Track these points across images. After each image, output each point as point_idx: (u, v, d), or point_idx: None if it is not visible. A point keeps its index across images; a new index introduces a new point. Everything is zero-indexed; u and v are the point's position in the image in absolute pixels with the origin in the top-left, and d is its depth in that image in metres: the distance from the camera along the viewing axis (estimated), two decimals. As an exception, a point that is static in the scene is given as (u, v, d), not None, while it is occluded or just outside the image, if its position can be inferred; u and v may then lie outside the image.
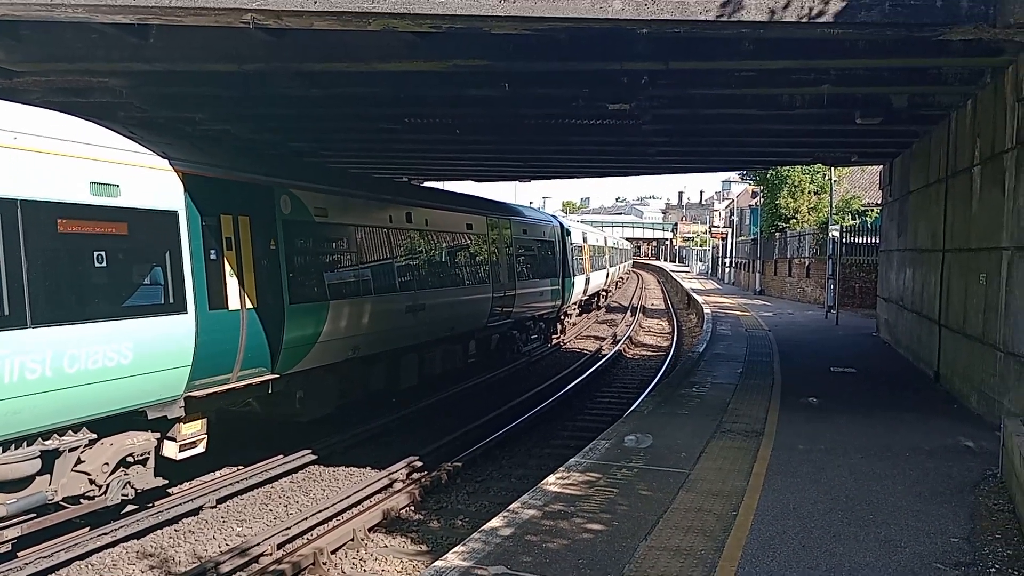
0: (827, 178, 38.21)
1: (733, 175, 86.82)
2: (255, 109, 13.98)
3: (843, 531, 7.20)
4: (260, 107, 13.73)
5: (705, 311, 31.18)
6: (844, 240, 30.07)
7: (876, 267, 26.46)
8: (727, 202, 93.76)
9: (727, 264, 64.75)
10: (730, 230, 66.32)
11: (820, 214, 40.12)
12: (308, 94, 12.36)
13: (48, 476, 8.35)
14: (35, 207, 7.86)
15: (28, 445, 7.96)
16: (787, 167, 38.73)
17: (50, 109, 9.20)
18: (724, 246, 69.30)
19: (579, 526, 7.15)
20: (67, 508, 8.76)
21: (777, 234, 43.23)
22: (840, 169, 36.03)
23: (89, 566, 8.64)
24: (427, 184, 27.25)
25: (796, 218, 42.18)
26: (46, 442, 8.16)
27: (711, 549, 6.69)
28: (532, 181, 33.39)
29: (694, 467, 9.15)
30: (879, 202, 28.94)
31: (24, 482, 8.06)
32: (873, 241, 29.26)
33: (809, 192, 42.49)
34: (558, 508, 7.63)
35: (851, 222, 35.21)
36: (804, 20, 7.89)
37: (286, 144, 18.25)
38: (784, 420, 11.69)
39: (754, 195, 57.92)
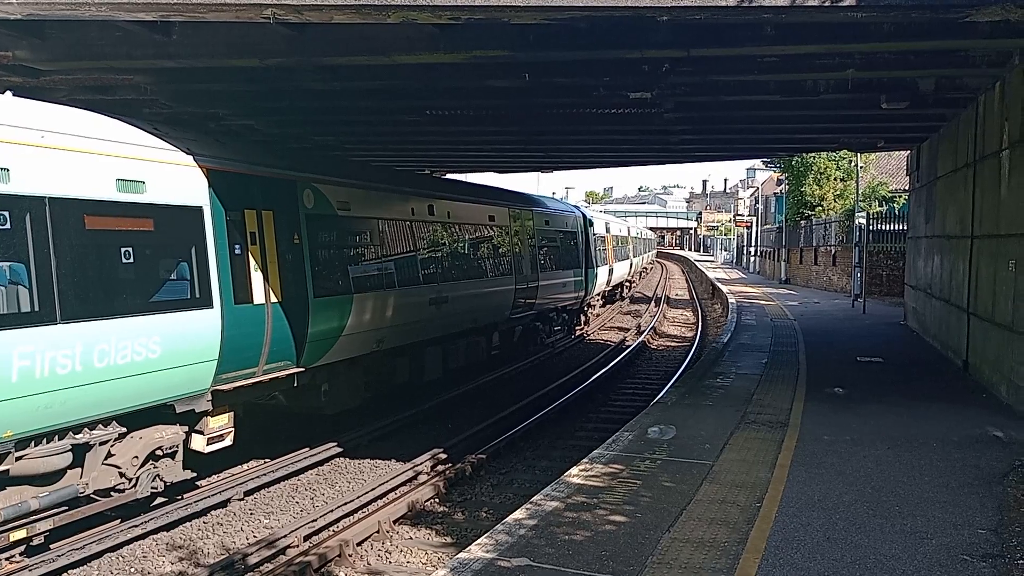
0: (853, 164, 37.75)
1: (757, 163, 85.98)
2: (277, 104, 14.06)
3: (869, 523, 7.14)
4: (282, 101, 13.80)
5: (730, 301, 30.97)
6: (871, 227, 29.71)
7: (903, 254, 26.13)
8: (752, 190, 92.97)
9: (752, 253, 64.24)
10: (755, 218, 65.79)
11: (846, 201, 39.67)
12: (330, 88, 12.41)
13: (79, 469, 8.49)
14: (63, 204, 7.97)
15: (59, 439, 8.10)
16: (812, 154, 38.28)
17: (76, 107, 9.32)
18: (749, 235, 68.76)
19: (602, 518, 7.15)
20: (98, 501, 8.90)
21: (803, 222, 42.81)
22: (866, 155, 35.57)
23: (120, 558, 8.79)
24: (449, 176, 27.28)
25: (822, 205, 41.73)
26: (77, 436, 8.30)
27: (735, 541, 6.66)
28: (554, 172, 33.33)
29: (718, 458, 9.11)
30: (906, 188, 28.53)
31: (56, 475, 8.21)
32: (901, 228, 28.91)
33: (835, 179, 42.01)
34: (581, 500, 7.63)
35: (878, 209, 34.78)
36: (827, 4, 7.77)
37: (309, 138, 18.34)
38: (809, 411, 11.60)
39: (779, 183, 57.37)
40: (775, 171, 56.62)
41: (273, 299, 10.88)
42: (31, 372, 7.46)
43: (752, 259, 63.27)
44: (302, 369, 11.54)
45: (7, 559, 8.00)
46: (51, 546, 8.53)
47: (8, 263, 7.53)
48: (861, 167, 36.62)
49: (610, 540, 6.64)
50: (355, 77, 11.90)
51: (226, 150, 10.84)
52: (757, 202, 69.07)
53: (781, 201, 49.89)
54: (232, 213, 10.29)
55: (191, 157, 9.82)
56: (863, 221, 29.73)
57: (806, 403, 12.14)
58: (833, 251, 36.48)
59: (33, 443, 7.84)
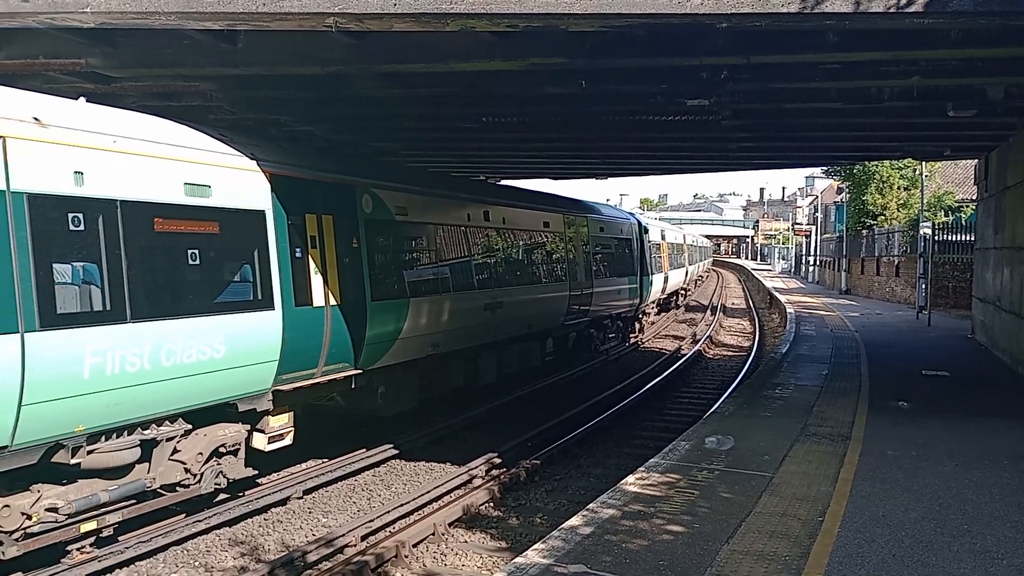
0: (917, 173, 36.78)
1: (817, 171, 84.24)
2: (337, 110, 14.30)
3: (936, 540, 6.94)
4: (342, 108, 14.04)
5: (788, 311, 30.43)
6: (936, 237, 28.90)
7: (971, 266, 25.33)
8: (811, 198, 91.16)
9: (811, 262, 63.01)
10: (814, 227, 64.46)
11: (910, 211, 38.68)
12: (388, 94, 12.57)
13: (147, 464, 8.74)
14: (134, 207, 8.23)
15: (128, 434, 8.35)
16: (875, 162, 37.42)
17: (145, 113, 9.63)
18: (808, 244, 67.47)
19: (659, 527, 7.09)
20: (164, 495, 9.13)
21: (864, 231, 41.85)
22: (931, 164, 34.62)
23: (184, 551, 9.01)
24: (504, 182, 27.38)
25: (884, 215, 40.77)
26: (145, 432, 8.54)
27: (796, 555, 6.54)
28: (608, 178, 33.14)
29: (777, 471, 8.95)
30: (974, 198, 27.67)
31: (125, 470, 8.46)
32: (968, 239, 28.03)
33: (898, 188, 41.01)
34: (637, 508, 7.58)
35: (944, 219, 33.82)
36: (892, 10, 7.59)
37: (366, 144, 18.61)
38: (872, 424, 11.32)
39: (839, 191, 56.16)
40: (835, 179, 55.46)
41: (332, 302, 11.05)
42: (102, 369, 7.71)
43: (811, 269, 62.07)
44: (359, 371, 11.69)
45: (78, 549, 8.26)
46: (119, 538, 8.79)
47: (82, 263, 7.80)
48: (926, 176, 35.64)
49: (668, 550, 6.57)
50: (413, 84, 12.03)
51: (288, 155, 11.07)
52: (816, 211, 67.67)
53: (842, 210, 48.84)
54: (293, 217, 10.50)
55: (254, 162, 10.05)
56: (928, 231, 28.93)
57: (869, 416, 11.86)
58: (896, 262, 35.55)
59: (104, 438, 8.10)
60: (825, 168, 50.22)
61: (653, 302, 31.96)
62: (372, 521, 9.78)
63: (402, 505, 10.39)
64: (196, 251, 8.96)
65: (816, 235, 62.54)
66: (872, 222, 41.39)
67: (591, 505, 7.74)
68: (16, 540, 7.45)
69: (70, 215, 7.61)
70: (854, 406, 12.63)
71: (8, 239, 7.01)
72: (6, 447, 7.12)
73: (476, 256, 15.58)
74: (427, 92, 12.57)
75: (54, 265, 7.44)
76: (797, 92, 12.51)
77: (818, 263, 59.46)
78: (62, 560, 8.13)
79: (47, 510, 7.70)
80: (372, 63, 10.56)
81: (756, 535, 6.96)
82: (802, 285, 53.82)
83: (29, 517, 7.54)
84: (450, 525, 9.86)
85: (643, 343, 27.56)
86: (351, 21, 8.15)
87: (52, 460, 7.69)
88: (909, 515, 7.56)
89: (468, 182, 21.83)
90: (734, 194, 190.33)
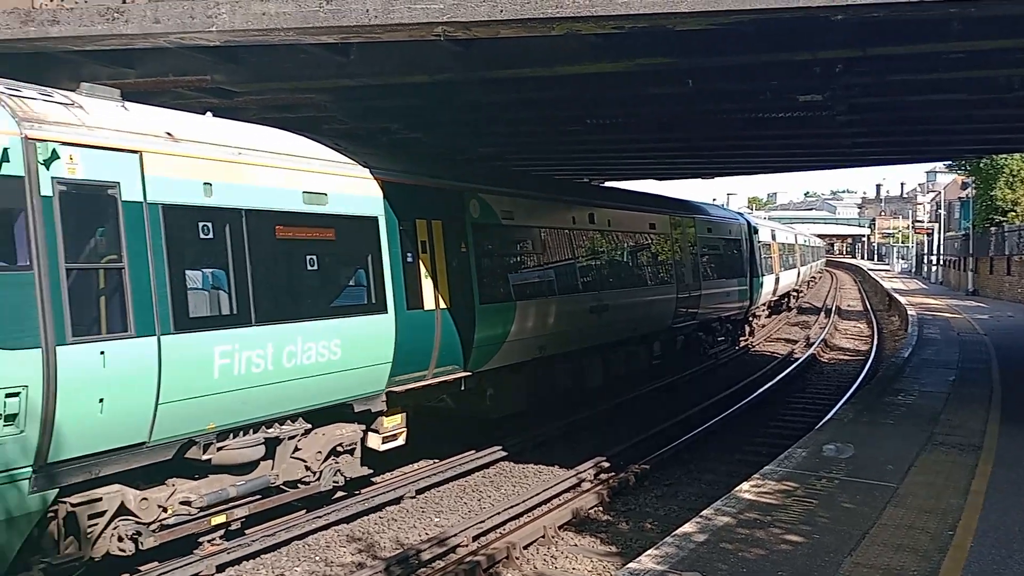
0: (1053, 165, 34.42)
1: (939, 165, 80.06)
2: (444, 116, 14.56)
3: (1082, 557, 6.47)
4: (448, 114, 14.28)
5: (909, 313, 29.00)
6: (1075, 233, 26.94)
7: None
8: (932, 194, 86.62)
9: (933, 262, 59.87)
10: (936, 225, 61.26)
11: (1045, 205, 36.22)
12: (493, 99, 12.71)
13: (271, 461, 9.14)
14: (257, 216, 8.64)
15: (254, 432, 8.76)
16: (1003, 155, 35.23)
17: (265, 125, 10.08)
18: (929, 242, 64.14)
19: (777, 536, 6.89)
20: (286, 492, 9.51)
21: (993, 228, 39.47)
22: (1069, 154, 32.33)
23: (306, 546, 9.36)
24: (608, 184, 27.23)
25: (1015, 211, 38.31)
26: (269, 430, 8.94)
27: (925, 571, 6.23)
28: (715, 178, 32.49)
29: (903, 481, 8.56)
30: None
31: (250, 466, 8.87)
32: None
33: (1031, 182, 38.46)
34: (753, 516, 7.38)
35: (1083, 213, 31.51)
36: (1023, -5, 7.15)
37: (473, 149, 18.86)
38: (1006, 434, 10.67)
39: (964, 186, 53.18)
40: (960, 174, 52.56)
41: (442, 305, 11.27)
42: (230, 370, 8.12)
43: (933, 269, 58.98)
44: (469, 373, 11.87)
45: (208, 541, 8.71)
46: (246, 531, 9.21)
47: (210, 270, 8.25)
48: (1062, 167, 33.31)
49: (786, 560, 6.38)
50: (518, 89, 12.12)
51: (399, 163, 11.36)
52: (939, 207, 64.27)
53: (967, 206, 46.25)
54: (405, 223, 10.77)
55: (367, 170, 10.37)
56: (1065, 226, 27.00)
57: (1002, 425, 11.18)
58: (1029, 260, 33.37)
59: (232, 435, 8.52)
60: (948, 162, 47.67)
61: (763, 304, 31.09)
62: (483, 522, 9.90)
63: (512, 507, 10.47)
64: (314, 257, 9.32)
65: (939, 233, 59.39)
66: (1001, 219, 38.98)
67: (705, 512, 7.59)
68: (153, 531, 7.91)
69: (200, 224, 8.06)
70: (985, 414, 11.93)
71: (145, 247, 7.48)
72: (144, 443, 7.59)
73: (581, 259, 15.56)
74: (532, 96, 12.64)
75: (186, 272, 7.89)
76: (919, 84, 11.92)
77: (941, 263, 56.44)
78: (194, 551, 8.59)
79: (181, 503, 8.15)
80: (478, 69, 10.70)
81: (881, 548, 6.67)
82: (923, 286, 51.19)
83: (165, 509, 8.00)
84: (560, 528, 9.86)
85: (753, 346, 26.85)
86: (459, 29, 8.29)
87: (185, 456, 8.15)
88: (1051, 530, 7.09)
89: (573, 184, 21.83)
90: (848, 191, 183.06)
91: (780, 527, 7.11)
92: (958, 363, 17.12)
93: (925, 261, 65.11)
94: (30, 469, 6.67)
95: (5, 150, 6.50)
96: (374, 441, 10.39)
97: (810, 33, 9.34)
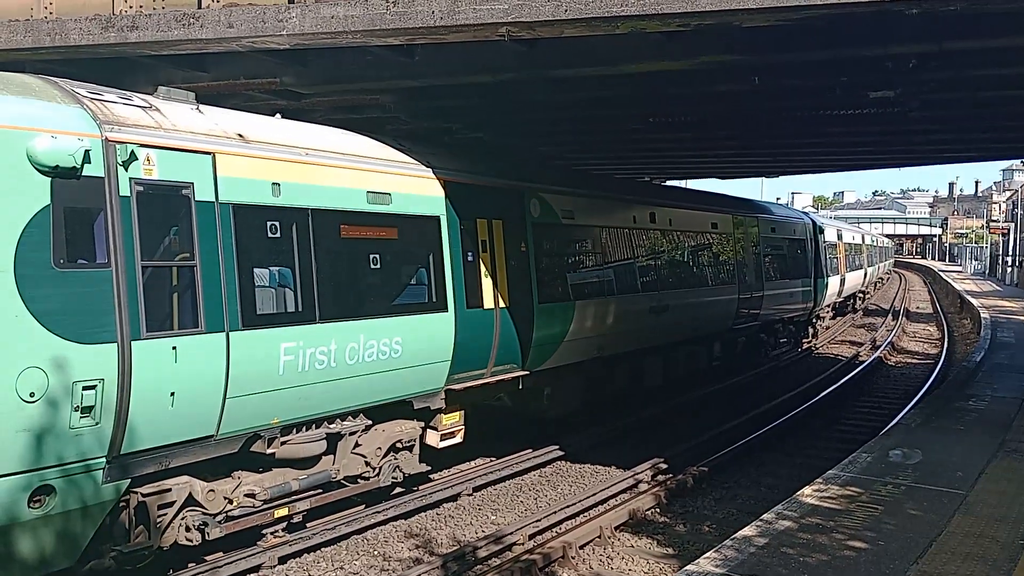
0: None
1: (1016, 162, 77.12)
2: (506, 116, 14.61)
3: None
4: (511, 114, 14.33)
5: (982, 315, 28.03)
6: None
7: None
8: (1008, 193, 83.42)
9: (1008, 263, 57.67)
10: (1013, 224, 58.96)
11: None
12: (555, 99, 12.70)
13: (332, 456, 9.32)
14: (323, 215, 8.82)
15: (316, 428, 8.95)
16: (1086, 151, 33.70)
17: (331, 126, 10.27)
18: (1005, 243, 61.79)
19: (840, 542, 6.76)
20: (347, 487, 9.70)
21: (1073, 228, 37.79)
22: None
23: (364, 540, 9.53)
24: (670, 183, 26.96)
25: (1098, 209, 36.62)
26: (331, 426, 9.12)
27: (996, 580, 6.04)
28: (779, 176, 31.81)
29: (972, 488, 8.30)
30: None
31: (312, 461, 9.07)
32: None
33: (1116, 179, 36.73)
34: (815, 522, 7.26)
35: None
36: (1116, -17, 6.85)
37: (534, 148, 18.89)
38: (1085, 441, 10.25)
39: (1043, 184, 51.05)
40: (1038, 171, 50.45)
41: (501, 304, 11.33)
42: (295, 366, 8.32)
43: (1009, 270, 56.82)
44: (526, 372, 11.91)
45: (271, 533, 8.93)
46: (307, 525, 9.42)
47: (277, 268, 8.45)
48: None
49: (850, 567, 6.26)
50: (580, 88, 12.09)
51: (460, 162, 11.46)
52: (1015, 206, 61.83)
53: (1046, 205, 44.36)
54: (465, 222, 10.86)
55: (430, 170, 10.49)
56: None
57: (1080, 433, 10.74)
58: (1112, 261, 31.89)
59: (295, 430, 8.73)
60: (1026, 160, 45.87)
61: (828, 305, 30.40)
62: (539, 521, 9.93)
63: (569, 506, 10.48)
64: (377, 256, 9.47)
65: (1016, 233, 57.15)
66: (1083, 218, 37.31)
67: (765, 516, 7.48)
68: (219, 522, 8.15)
69: (268, 223, 8.27)
70: (1062, 422, 11.47)
71: (216, 246, 7.72)
72: (212, 436, 7.83)
73: (641, 258, 15.46)
74: (594, 95, 12.59)
75: (254, 270, 8.11)
76: (997, 79, 11.50)
77: (1017, 264, 54.32)
78: (258, 543, 8.81)
79: (246, 495, 8.38)
80: (541, 69, 10.70)
81: (949, 556, 6.49)
82: (998, 288, 49.37)
83: (230, 501, 8.23)
84: (616, 529, 9.84)
85: (817, 348, 26.30)
86: (523, 29, 8.31)
87: (250, 450, 8.38)
88: None
89: (633, 184, 21.68)
90: (919, 190, 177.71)
91: (843, 533, 6.97)
92: (1034, 368, 16.51)
93: (1000, 262, 62.77)
94: (104, 460, 6.94)
95: (87, 152, 6.77)
96: (432, 438, 10.51)
97: (883, 28, 9.11)
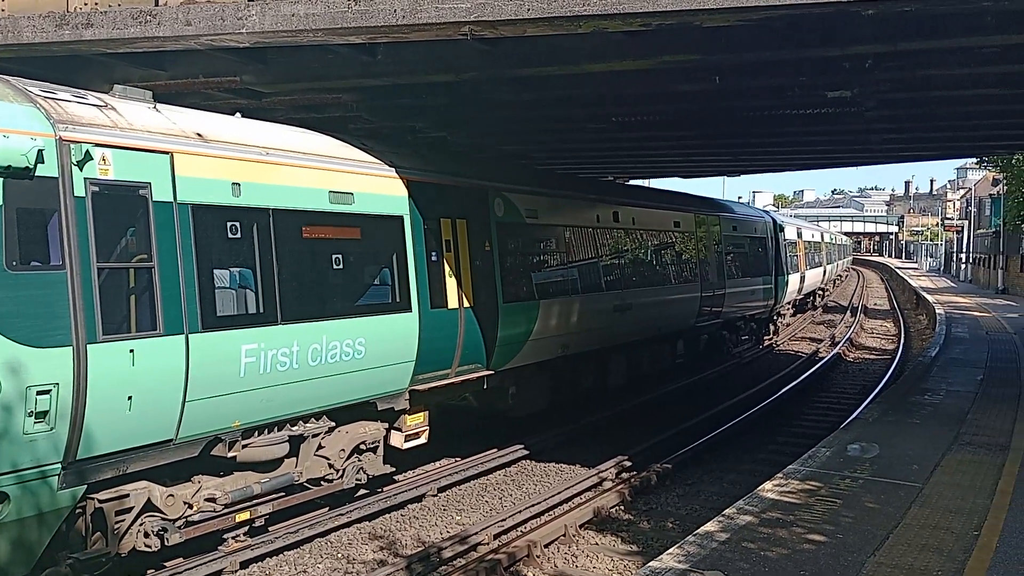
0: (1087, 161, 33.81)
1: (969, 161, 78.87)
2: (470, 115, 14.59)
3: (1113, 562, 6.39)
4: (474, 113, 14.32)
5: (937, 311, 28.66)
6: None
7: None
8: (962, 191, 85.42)
9: (963, 260, 59.06)
10: (966, 222, 60.40)
11: (1078, 203, 35.58)
12: (518, 98, 12.71)
13: (295, 459, 9.23)
14: (284, 215, 8.72)
15: (278, 430, 8.85)
16: (1036, 151, 34.60)
17: (292, 125, 10.16)
18: (959, 240, 63.28)
19: (799, 536, 6.87)
20: (310, 489, 9.60)
21: (1024, 226, 38.82)
22: (1103, 151, 31.71)
23: (328, 543, 9.45)
24: (632, 182, 27.14)
25: (1048, 207, 37.66)
26: (293, 428, 9.03)
27: (950, 571, 6.19)
28: (741, 175, 32.22)
29: (928, 481, 8.49)
30: None
31: (274, 464, 8.97)
32: None
33: (1064, 178, 37.79)
34: (776, 516, 7.36)
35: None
36: (1060, -12, 7.04)
37: (498, 147, 18.89)
38: (1036, 434, 10.53)
39: (995, 183, 52.35)
40: (991, 170, 51.71)
41: (465, 304, 11.31)
42: (256, 368, 8.21)
43: (963, 267, 58.19)
44: (491, 372, 11.90)
45: (233, 538, 8.80)
46: (269, 528, 9.31)
47: (238, 269, 8.34)
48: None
49: (809, 560, 6.36)
50: (543, 87, 12.12)
51: (423, 162, 11.41)
52: (969, 204, 63.34)
53: (998, 203, 45.53)
54: (429, 222, 10.82)
55: (393, 169, 10.43)
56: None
57: (1031, 425, 11.03)
58: (1061, 258, 32.80)
59: (256, 433, 8.62)
60: (979, 159, 46.98)
61: (789, 303, 30.86)
62: (504, 520, 9.93)
63: (533, 505, 10.50)
64: (340, 256, 9.40)
65: (969, 231, 58.56)
66: (1033, 216, 38.34)
67: (727, 511, 7.58)
68: (179, 527, 8.02)
69: (228, 224, 8.16)
70: (1014, 414, 11.78)
71: (175, 247, 7.59)
72: (171, 440, 7.70)
73: (605, 257, 15.54)
74: (558, 94, 12.63)
75: (214, 271, 7.99)
76: (950, 79, 11.77)
77: (971, 261, 55.67)
78: (219, 548, 8.68)
79: (206, 500, 8.25)
80: (504, 68, 10.71)
81: (905, 548, 6.63)
82: (952, 284, 50.52)
83: (190, 506, 8.11)
84: (581, 527, 9.88)
85: (778, 345, 26.66)
86: (486, 28, 8.30)
87: (211, 453, 8.26)
88: (1081, 534, 7.00)
89: (596, 183, 21.77)
90: (876, 188, 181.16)
91: (803, 526, 7.08)
92: (986, 362, 16.92)
93: (954, 259, 64.27)
94: (59, 466, 6.80)
95: (40, 151, 6.62)
96: (397, 439, 10.46)
97: (840, 28, 9.26)
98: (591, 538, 9.70)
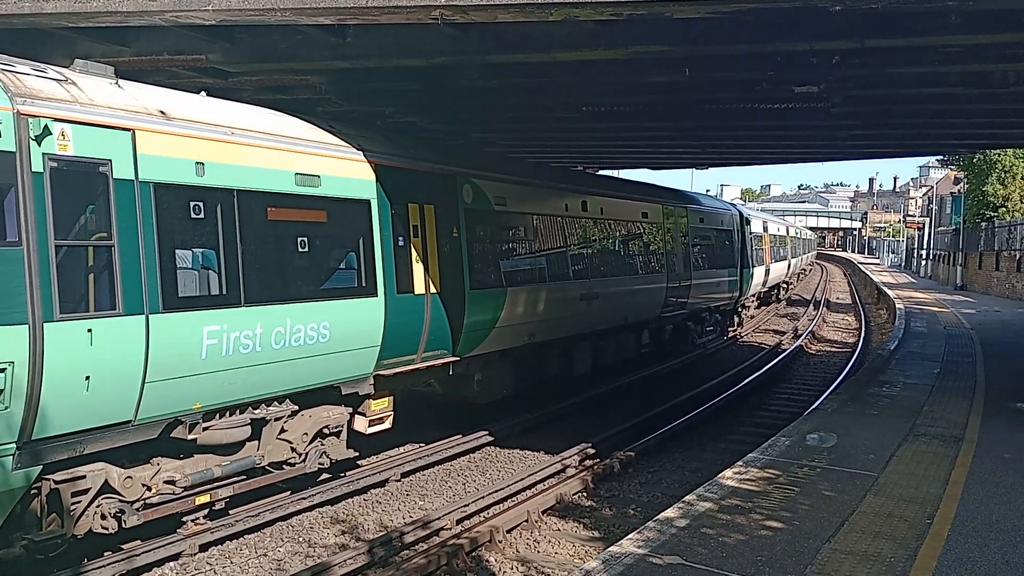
0: (1044, 162, 34.58)
1: (932, 160, 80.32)
2: (440, 101, 14.51)
3: (1057, 550, 6.58)
4: (445, 99, 14.24)
5: (897, 306, 29.19)
6: (1064, 231, 27.10)
7: (1103, 261, 23.67)
8: (925, 189, 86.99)
9: (923, 256, 60.19)
10: (928, 219, 61.54)
11: (1035, 202, 36.41)
12: (490, 85, 12.67)
13: (256, 442, 9.16)
14: (249, 196, 8.62)
15: (240, 413, 8.78)
16: (997, 150, 35.36)
17: (260, 106, 10.03)
18: (920, 237, 64.46)
19: (757, 522, 6.97)
20: (271, 473, 9.55)
21: (983, 224, 39.68)
22: (1061, 152, 32.48)
23: (289, 527, 9.41)
24: (602, 172, 27.22)
25: (1006, 206, 38.55)
26: (255, 411, 8.96)
27: (903, 557, 6.32)
28: (710, 168, 32.47)
29: (883, 470, 8.66)
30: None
31: (236, 447, 8.90)
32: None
33: (1022, 178, 38.63)
34: (735, 503, 7.47)
35: (1073, 211, 31.72)
36: (1022, -11, 7.17)
37: (468, 134, 18.82)
38: (987, 426, 10.79)
39: (956, 181, 53.39)
40: (952, 169, 52.75)
41: (432, 290, 11.29)
42: (218, 350, 8.13)
43: (923, 263, 59.30)
44: (457, 358, 11.90)
45: (192, 521, 8.74)
46: (230, 511, 9.24)
47: (201, 249, 8.23)
48: (1054, 165, 33.47)
49: (766, 546, 6.46)
50: (514, 75, 12.09)
51: (392, 146, 11.34)
52: (930, 202, 64.54)
53: (958, 201, 46.43)
54: (397, 206, 10.77)
55: (361, 153, 10.35)
56: (1055, 224, 27.18)
57: (984, 417, 11.30)
58: (1018, 256, 33.56)
59: (218, 415, 8.54)
60: (942, 157, 47.84)
61: (753, 295, 31.21)
62: (467, 506, 9.96)
63: (497, 491, 10.54)
64: (305, 239, 9.32)
65: (930, 227, 59.68)
66: (992, 214, 39.20)
67: (687, 497, 7.67)
68: (137, 510, 7.93)
69: (192, 203, 8.04)
70: (968, 406, 12.05)
71: (136, 226, 7.47)
72: (129, 421, 7.60)
73: (573, 246, 15.59)
74: (528, 82, 12.62)
75: (176, 251, 7.88)
76: (914, 77, 11.96)
77: (931, 257, 56.77)
78: (178, 531, 8.62)
79: (165, 482, 8.17)
80: (475, 54, 10.66)
81: (859, 535, 6.76)
82: (913, 280, 51.47)
83: (149, 488, 8.02)
84: (543, 513, 9.94)
85: (742, 337, 26.98)
86: (457, 13, 8.26)
87: (171, 435, 8.16)
88: (1027, 523, 7.20)
89: (566, 172, 21.81)
90: (841, 184, 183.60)
91: (761, 513, 7.19)
92: (943, 356, 17.27)
93: (915, 255, 65.46)
94: (14, 446, 6.69)
95: (-5, 125, 6.46)
96: (360, 424, 10.42)
97: (808, 24, 9.35)
98: (553, 524, 9.77)
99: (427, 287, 11.20)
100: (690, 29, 9.61)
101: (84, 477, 7.43)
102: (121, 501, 7.75)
